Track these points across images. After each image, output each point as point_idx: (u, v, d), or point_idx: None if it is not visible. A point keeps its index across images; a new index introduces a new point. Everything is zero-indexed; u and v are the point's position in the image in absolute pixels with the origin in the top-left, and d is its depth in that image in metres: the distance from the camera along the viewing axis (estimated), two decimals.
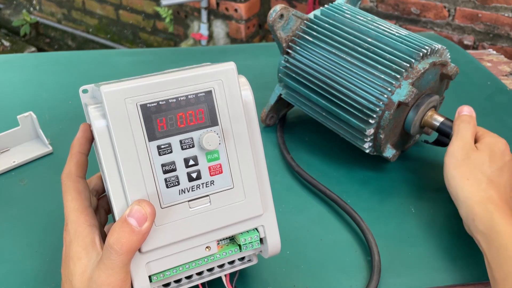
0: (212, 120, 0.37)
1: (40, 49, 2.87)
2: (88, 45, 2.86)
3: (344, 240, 0.52)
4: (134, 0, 2.61)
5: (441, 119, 0.57)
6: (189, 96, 0.36)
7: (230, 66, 0.38)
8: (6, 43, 2.81)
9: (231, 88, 0.38)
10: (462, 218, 0.49)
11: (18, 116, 0.61)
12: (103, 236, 0.40)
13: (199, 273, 0.41)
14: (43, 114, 0.69)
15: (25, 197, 0.56)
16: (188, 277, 0.41)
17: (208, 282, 0.43)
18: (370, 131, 0.55)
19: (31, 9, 3.03)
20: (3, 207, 0.55)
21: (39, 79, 0.78)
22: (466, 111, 0.55)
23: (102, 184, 0.44)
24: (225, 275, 0.42)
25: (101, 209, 0.44)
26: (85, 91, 0.41)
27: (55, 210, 0.53)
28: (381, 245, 0.50)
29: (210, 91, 0.37)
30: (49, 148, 0.62)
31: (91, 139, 0.40)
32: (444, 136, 0.57)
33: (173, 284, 0.40)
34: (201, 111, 0.37)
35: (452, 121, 0.56)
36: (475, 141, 0.53)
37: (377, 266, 0.48)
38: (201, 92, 0.37)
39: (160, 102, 0.36)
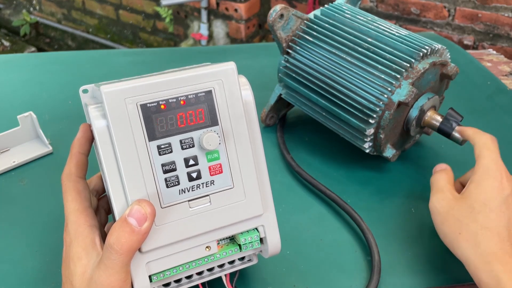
0: (212, 120, 0.37)
1: (40, 49, 2.87)
2: (88, 45, 2.86)
3: (344, 240, 0.52)
4: (134, 0, 2.61)
5: (441, 119, 0.56)
6: (189, 96, 0.36)
7: (230, 66, 0.38)
8: (6, 43, 2.81)
9: (231, 88, 0.38)
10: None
11: (18, 116, 0.61)
12: (104, 236, 0.40)
13: (199, 273, 0.41)
14: (43, 114, 0.69)
15: (25, 197, 0.56)
16: (188, 277, 0.41)
17: (208, 282, 0.43)
18: (370, 131, 0.55)
19: (31, 9, 3.03)
20: (3, 207, 0.55)
21: (39, 79, 0.78)
22: (440, 167, 0.52)
23: (102, 184, 0.44)
24: (225, 275, 0.42)
25: (101, 209, 0.44)
26: (85, 91, 0.41)
27: (55, 210, 0.53)
28: (381, 245, 0.50)
29: (210, 91, 0.37)
30: (49, 148, 0.62)
31: (91, 139, 0.40)
32: (442, 134, 0.56)
33: (173, 284, 0.40)
34: (201, 111, 0.37)
35: (450, 120, 0.56)
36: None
37: (377, 266, 0.48)
38: (201, 92, 0.37)
39: (160, 102, 0.36)
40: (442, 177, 0.49)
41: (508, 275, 0.39)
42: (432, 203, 0.47)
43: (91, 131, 0.39)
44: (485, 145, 0.48)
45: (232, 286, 0.43)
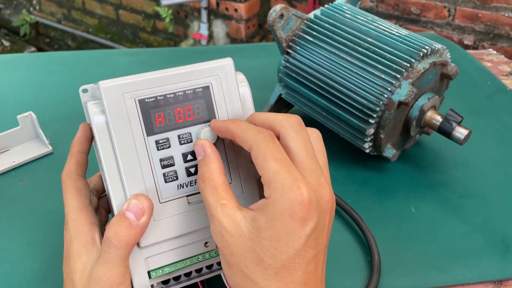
0: (210, 115, 0.38)
1: (40, 49, 2.87)
2: (88, 45, 2.86)
3: (344, 240, 0.52)
4: (134, 0, 2.61)
5: (441, 119, 0.56)
6: (187, 92, 0.37)
7: (228, 61, 0.38)
8: (6, 43, 2.81)
9: (229, 84, 0.38)
10: None
11: (18, 116, 0.61)
12: (103, 235, 0.40)
13: (198, 271, 0.41)
14: (43, 114, 0.69)
15: (25, 197, 0.56)
16: (187, 275, 0.41)
17: (207, 280, 0.43)
18: (370, 131, 0.55)
19: (31, 9, 3.03)
20: (3, 207, 0.55)
21: (39, 79, 0.78)
22: (199, 152, 0.35)
23: (102, 184, 0.44)
24: None
25: (102, 209, 0.44)
26: (85, 90, 0.41)
27: (55, 210, 0.53)
28: (381, 245, 0.50)
29: (208, 87, 0.37)
30: (49, 148, 0.62)
31: (91, 138, 0.40)
32: (443, 133, 0.56)
33: (172, 282, 0.40)
34: (199, 106, 0.37)
35: (450, 120, 0.56)
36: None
37: (377, 266, 0.48)
38: (198, 88, 0.37)
39: (158, 97, 0.36)
40: (210, 196, 0.33)
41: None
42: (213, 234, 0.33)
43: (91, 130, 0.39)
44: (266, 152, 0.32)
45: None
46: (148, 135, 0.36)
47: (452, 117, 0.55)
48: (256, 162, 0.32)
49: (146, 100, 0.36)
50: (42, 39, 3.00)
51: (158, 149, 0.36)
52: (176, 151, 0.37)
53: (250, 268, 0.31)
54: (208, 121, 0.38)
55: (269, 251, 0.31)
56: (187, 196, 0.37)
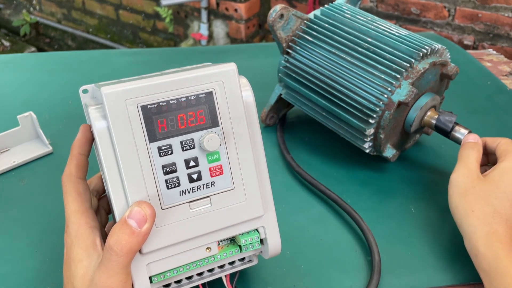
0: (213, 121, 0.37)
1: (40, 49, 2.87)
2: (88, 45, 2.86)
3: (344, 240, 0.52)
4: (134, 0, 2.61)
5: None
6: (190, 97, 0.36)
7: (231, 67, 0.38)
8: (6, 43, 2.81)
9: (232, 89, 0.38)
10: (466, 248, 0.47)
11: (18, 116, 0.61)
12: (104, 237, 0.40)
13: (200, 274, 0.41)
14: (43, 114, 0.69)
15: (25, 197, 0.56)
16: (189, 278, 0.41)
17: (208, 282, 0.43)
18: (370, 131, 0.55)
19: (31, 9, 3.03)
20: (3, 207, 0.55)
21: (39, 79, 0.78)
22: (471, 139, 0.53)
23: (102, 184, 0.44)
24: (225, 276, 0.42)
25: (102, 210, 0.44)
26: (85, 91, 0.41)
27: (55, 210, 0.53)
28: (381, 245, 0.50)
29: (211, 92, 0.37)
30: (49, 148, 0.62)
31: (91, 140, 0.40)
32: (441, 133, 0.56)
33: (173, 285, 0.40)
34: (202, 112, 0.37)
35: (449, 119, 0.56)
36: (494, 161, 0.52)
37: (377, 266, 0.48)
38: (201, 93, 0.37)
39: (161, 103, 0.36)
40: (472, 155, 0.51)
41: (505, 251, 0.43)
42: (456, 176, 0.50)
43: (91, 132, 0.39)
44: (509, 146, 0.51)
45: (232, 286, 0.43)
46: (150, 141, 0.36)
47: (447, 115, 0.55)
48: (500, 148, 0.51)
49: (149, 106, 0.35)
50: (42, 39, 3.00)
51: (160, 156, 0.36)
52: (179, 157, 0.37)
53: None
54: (211, 127, 0.37)
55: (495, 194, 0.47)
56: (189, 202, 0.37)
